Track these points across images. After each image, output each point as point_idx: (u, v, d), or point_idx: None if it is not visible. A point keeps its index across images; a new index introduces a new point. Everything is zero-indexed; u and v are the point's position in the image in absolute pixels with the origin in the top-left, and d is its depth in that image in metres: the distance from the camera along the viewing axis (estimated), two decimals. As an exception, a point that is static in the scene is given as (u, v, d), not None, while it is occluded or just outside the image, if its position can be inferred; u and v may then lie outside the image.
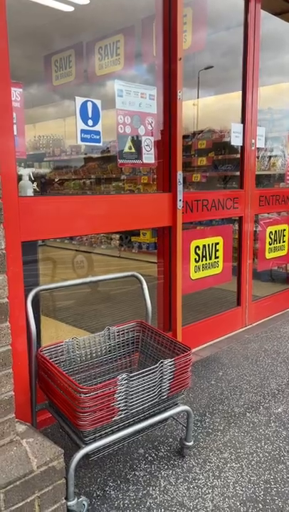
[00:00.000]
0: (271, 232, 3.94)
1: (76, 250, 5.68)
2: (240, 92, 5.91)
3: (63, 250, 5.69)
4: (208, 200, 3.04)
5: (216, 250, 3.24)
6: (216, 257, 3.24)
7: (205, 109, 6.06)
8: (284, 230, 4.05)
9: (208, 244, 3.15)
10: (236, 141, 3.34)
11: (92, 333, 2.12)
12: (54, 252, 5.66)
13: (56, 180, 7.11)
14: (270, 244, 3.93)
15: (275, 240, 3.97)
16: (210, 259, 3.19)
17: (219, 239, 3.23)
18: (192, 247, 3.01)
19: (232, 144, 3.34)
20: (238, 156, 5.16)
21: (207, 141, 5.29)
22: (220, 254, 3.27)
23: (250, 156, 3.43)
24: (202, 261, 3.13)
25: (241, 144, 3.38)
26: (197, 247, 3.06)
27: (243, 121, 3.36)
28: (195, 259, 3.05)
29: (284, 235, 4.06)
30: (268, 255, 3.88)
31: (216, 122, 5.61)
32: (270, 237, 3.93)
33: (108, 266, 5.53)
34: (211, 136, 5.36)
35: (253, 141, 3.66)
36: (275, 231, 3.98)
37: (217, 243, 3.23)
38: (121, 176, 6.11)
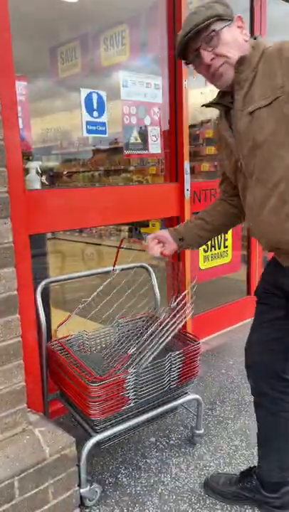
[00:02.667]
0: None
1: (86, 243, 5.70)
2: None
3: (73, 243, 5.72)
4: (216, 189, 3.02)
5: (225, 240, 3.22)
6: (225, 247, 3.23)
7: (213, 97, 6.00)
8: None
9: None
10: None
11: (103, 324, 2.14)
12: (64, 245, 5.70)
13: (65, 173, 7.12)
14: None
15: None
16: (219, 248, 3.17)
17: None
18: None
19: None
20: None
21: (214, 130, 5.25)
22: (228, 243, 3.25)
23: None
24: (211, 251, 3.11)
25: None
26: None
27: None
28: (204, 249, 3.04)
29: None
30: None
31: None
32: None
33: (119, 257, 5.55)
34: (219, 124, 5.32)
35: None
36: None
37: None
38: (129, 167, 6.10)
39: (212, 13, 1.27)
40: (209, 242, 2.99)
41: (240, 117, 1.30)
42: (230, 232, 3.20)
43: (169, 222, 2.80)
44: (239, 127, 1.32)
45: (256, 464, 1.64)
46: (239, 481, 1.65)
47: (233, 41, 1.29)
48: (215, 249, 3.15)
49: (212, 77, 1.34)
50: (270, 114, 1.23)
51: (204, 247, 3.02)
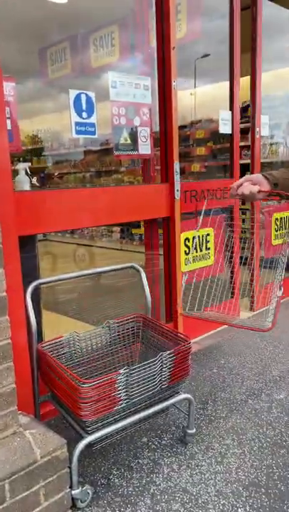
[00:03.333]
0: (277, 218, 3.94)
1: (77, 244, 5.70)
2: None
3: (64, 244, 5.71)
4: (197, 190, 2.99)
5: (207, 241, 3.15)
6: (207, 249, 3.17)
7: (202, 98, 6.02)
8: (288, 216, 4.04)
9: (198, 236, 3.05)
10: (224, 128, 3.24)
11: (94, 325, 2.14)
12: (55, 246, 5.68)
13: (56, 174, 7.10)
14: (276, 231, 3.93)
15: (280, 227, 3.96)
16: (200, 250, 3.11)
17: (209, 230, 3.13)
18: (181, 239, 2.92)
19: (220, 132, 3.24)
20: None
21: (205, 131, 5.27)
22: (211, 245, 3.19)
23: (238, 143, 3.37)
24: (192, 253, 3.04)
25: (230, 132, 3.28)
26: (187, 239, 2.96)
27: (232, 108, 3.26)
28: (185, 251, 2.97)
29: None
30: (274, 242, 3.86)
31: (214, 111, 5.57)
32: (276, 224, 3.93)
33: (110, 258, 5.55)
34: (209, 125, 5.33)
35: (258, 129, 3.69)
36: (281, 218, 3.98)
37: (208, 234, 3.14)
38: (120, 168, 6.10)
39: None
40: (190, 244, 2.97)
41: None
42: (211, 233, 3.16)
43: (165, 223, 2.80)
44: None
45: None
46: None
47: None
48: (196, 252, 3.08)
49: None
50: None
51: (185, 249, 2.97)
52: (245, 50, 5.38)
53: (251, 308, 3.70)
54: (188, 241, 2.98)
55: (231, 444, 1.98)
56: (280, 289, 1.52)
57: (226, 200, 3.22)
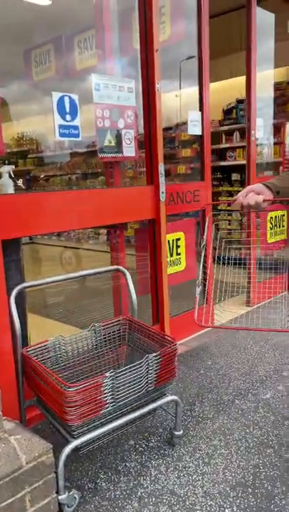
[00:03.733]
0: (271, 217, 3.98)
1: (64, 246, 5.67)
2: (222, 82, 5.88)
3: (51, 247, 5.68)
4: (191, 191, 3.04)
5: (178, 246, 3.05)
6: (178, 254, 3.06)
7: (188, 99, 6.05)
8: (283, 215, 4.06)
9: (168, 241, 2.93)
10: (194, 130, 3.12)
11: (81, 328, 2.13)
12: (42, 249, 5.65)
13: (42, 176, 7.06)
14: (271, 229, 3.96)
15: (275, 226, 4.00)
16: (171, 256, 2.99)
17: (180, 234, 3.04)
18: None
19: (189, 133, 3.13)
20: (221, 146, 5.17)
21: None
22: (182, 250, 3.07)
23: (209, 145, 3.30)
24: (171, 256, 2.96)
25: (200, 133, 3.16)
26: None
27: (201, 108, 3.15)
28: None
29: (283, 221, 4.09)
30: (269, 240, 3.87)
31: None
32: (271, 223, 3.97)
33: (97, 261, 5.53)
34: (194, 127, 5.35)
35: (253, 131, 3.77)
36: (275, 216, 4.02)
37: (178, 239, 3.04)
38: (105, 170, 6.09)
39: None
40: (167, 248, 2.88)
41: None
42: (182, 237, 3.07)
43: (150, 225, 2.79)
44: None
45: None
46: None
47: None
48: (167, 257, 2.95)
49: None
50: None
51: None
52: (232, 50, 5.41)
53: (248, 305, 3.81)
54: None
55: (218, 444, 1.99)
56: None
57: (197, 203, 3.14)
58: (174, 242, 3.01)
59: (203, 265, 1.90)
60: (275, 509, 1.61)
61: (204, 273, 3.15)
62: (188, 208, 3.08)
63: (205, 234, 1.90)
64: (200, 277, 1.77)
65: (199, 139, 3.24)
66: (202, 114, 3.12)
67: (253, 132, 3.68)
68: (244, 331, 3.27)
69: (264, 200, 1.55)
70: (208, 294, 3.13)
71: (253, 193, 1.57)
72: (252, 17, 3.60)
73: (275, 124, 4.45)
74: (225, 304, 3.86)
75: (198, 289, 1.76)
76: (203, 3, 2.97)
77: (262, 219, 3.88)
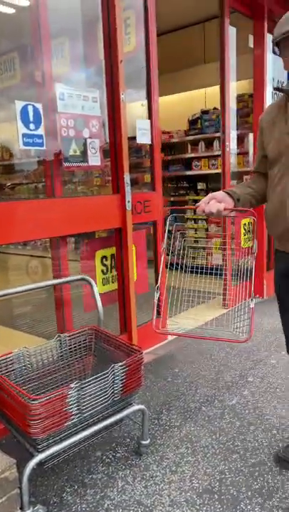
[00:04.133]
0: (245, 223, 4.04)
1: (30, 256, 5.58)
2: (187, 93, 5.99)
3: (16, 256, 5.58)
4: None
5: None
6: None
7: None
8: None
9: (113, 254, 2.83)
10: (143, 139, 3.01)
11: (48, 339, 2.10)
12: (7, 259, 5.54)
13: (8, 184, 6.94)
14: (244, 235, 4.01)
15: (248, 231, 4.04)
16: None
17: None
18: (97, 257, 2.72)
19: (138, 141, 3.00)
20: (187, 155, 5.25)
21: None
22: (133, 261, 2.90)
23: (159, 154, 3.21)
24: (111, 272, 2.80)
25: (150, 142, 3.04)
26: (104, 257, 2.76)
27: (150, 117, 3.04)
28: (102, 270, 2.76)
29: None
30: (244, 245, 3.91)
31: (165, 122, 5.68)
32: (244, 228, 4.01)
33: (64, 270, 5.47)
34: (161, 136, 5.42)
35: (227, 143, 3.90)
36: (248, 222, 4.06)
37: None
38: (73, 179, 6.06)
39: None
40: (108, 263, 2.80)
41: None
42: (133, 249, 2.89)
43: (117, 234, 2.79)
44: None
45: None
46: None
47: None
48: (111, 272, 2.82)
49: None
50: None
51: (102, 268, 2.77)
52: (196, 63, 5.51)
53: (224, 306, 4.01)
54: (106, 259, 2.78)
55: (185, 452, 1.99)
56: (252, 300, 1.61)
57: (147, 214, 3.01)
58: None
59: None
60: (241, 514, 1.63)
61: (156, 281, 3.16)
62: (137, 219, 2.89)
63: (164, 242, 1.92)
64: (158, 283, 1.80)
65: (179, 148, 3.24)
66: (151, 122, 3.01)
67: (227, 143, 3.84)
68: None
69: (225, 209, 1.60)
70: (160, 300, 3.13)
71: (215, 201, 1.61)
72: (225, 28, 3.69)
73: (238, 135, 4.57)
74: (197, 309, 3.91)
75: (157, 295, 1.78)
76: (150, 15, 2.95)
77: (236, 223, 3.99)
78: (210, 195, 1.64)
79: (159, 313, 3.13)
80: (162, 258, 1.81)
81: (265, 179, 1.74)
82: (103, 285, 2.78)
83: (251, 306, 1.61)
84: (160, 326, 2.59)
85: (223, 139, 3.85)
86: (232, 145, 4.68)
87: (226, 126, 3.82)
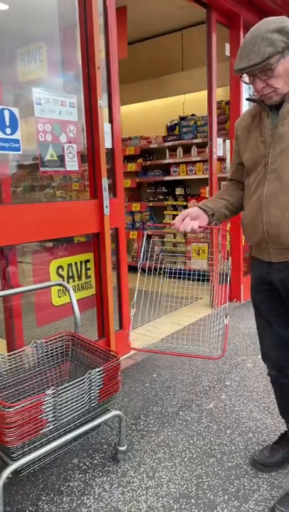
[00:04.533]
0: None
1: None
2: (164, 99, 6.02)
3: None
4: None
5: (87, 269, 2.78)
6: (88, 277, 2.78)
7: (131, 115, 6.16)
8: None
9: (76, 263, 2.71)
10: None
11: (25, 345, 2.07)
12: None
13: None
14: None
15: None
16: (79, 279, 2.73)
17: (90, 255, 2.79)
18: (52, 268, 2.58)
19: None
20: (165, 161, 5.29)
21: (135, 147, 5.37)
22: (92, 273, 2.81)
23: (121, 159, 3.02)
24: (68, 282, 2.66)
25: (110, 147, 2.86)
26: (60, 267, 2.62)
27: (111, 120, 2.85)
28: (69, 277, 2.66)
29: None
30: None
31: (143, 128, 5.71)
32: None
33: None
34: (139, 142, 5.45)
35: (215, 150, 3.99)
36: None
37: (87, 261, 2.77)
38: (52, 183, 6.03)
39: (272, 52, 1.38)
40: (65, 273, 2.66)
41: (282, 124, 1.49)
42: (92, 259, 2.82)
43: (95, 239, 2.78)
44: (279, 131, 1.50)
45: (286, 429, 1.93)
46: (281, 447, 1.91)
47: (285, 71, 1.43)
48: (74, 281, 2.67)
49: (261, 95, 1.51)
50: None
51: (58, 279, 2.62)
52: (174, 70, 5.56)
53: (212, 307, 4.13)
54: (62, 269, 2.63)
55: (163, 457, 2.00)
56: (226, 317, 1.64)
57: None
58: (83, 264, 2.76)
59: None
60: (217, 518, 1.64)
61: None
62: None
63: (141, 257, 1.94)
64: (134, 299, 1.80)
65: (158, 153, 3.19)
66: (112, 125, 2.84)
67: (214, 150, 3.97)
68: (188, 341, 3.33)
69: (199, 227, 1.66)
70: (122, 313, 3.05)
71: (189, 218, 1.66)
72: (212, 34, 3.77)
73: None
74: (178, 312, 3.94)
75: (133, 311, 1.79)
76: (110, 23, 2.76)
77: (222, 241, 4.08)
78: (185, 212, 1.69)
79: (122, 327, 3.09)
80: (138, 274, 1.83)
81: (241, 187, 1.76)
82: (58, 297, 2.61)
83: (225, 323, 1.64)
84: (127, 339, 2.59)
85: (210, 146, 3.97)
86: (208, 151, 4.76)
87: (213, 134, 3.94)
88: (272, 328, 1.75)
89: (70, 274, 2.68)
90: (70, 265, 2.68)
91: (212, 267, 3.91)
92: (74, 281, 2.72)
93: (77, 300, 2.51)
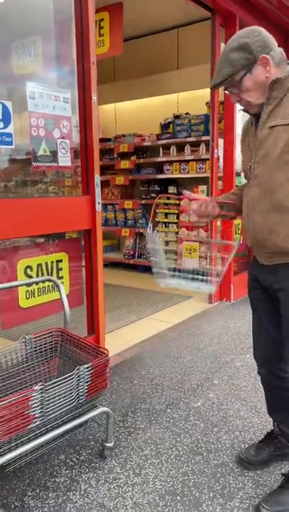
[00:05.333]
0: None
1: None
2: (158, 97, 6.02)
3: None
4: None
5: (59, 269, 2.65)
6: (60, 278, 2.67)
7: (125, 112, 6.15)
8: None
9: (46, 263, 2.57)
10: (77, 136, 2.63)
11: (14, 341, 2.06)
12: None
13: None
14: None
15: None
16: (45, 282, 2.55)
17: (62, 255, 2.68)
18: (20, 268, 2.43)
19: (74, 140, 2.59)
20: (159, 159, 5.29)
21: (129, 145, 5.36)
22: (64, 273, 2.68)
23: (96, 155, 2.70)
24: (37, 284, 2.50)
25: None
26: (28, 267, 2.47)
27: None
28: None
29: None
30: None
31: (137, 125, 5.71)
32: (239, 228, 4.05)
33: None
34: (133, 139, 5.44)
35: (216, 150, 4.05)
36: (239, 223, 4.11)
37: (60, 261, 2.65)
38: (44, 179, 6.00)
39: (231, 71, 1.46)
40: (34, 274, 2.50)
41: (262, 128, 1.51)
42: (65, 259, 2.70)
43: (86, 235, 2.76)
44: (260, 136, 1.52)
45: (273, 428, 1.94)
46: (267, 445, 1.92)
47: (255, 84, 1.48)
48: (44, 282, 2.52)
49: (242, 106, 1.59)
50: (286, 132, 1.43)
51: (26, 279, 2.45)
52: (170, 68, 5.56)
53: (210, 302, 4.25)
54: (31, 270, 2.48)
55: (149, 454, 2.00)
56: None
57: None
58: (54, 264, 2.62)
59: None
60: (202, 515, 1.65)
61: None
62: (70, 227, 2.68)
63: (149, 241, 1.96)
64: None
65: (150, 151, 3.15)
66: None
67: (216, 150, 4.05)
68: (178, 339, 3.34)
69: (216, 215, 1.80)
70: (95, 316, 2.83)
71: (211, 204, 1.76)
72: (216, 35, 3.79)
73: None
74: (172, 309, 3.94)
75: None
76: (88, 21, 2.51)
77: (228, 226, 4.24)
78: (208, 199, 1.80)
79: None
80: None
81: None
82: (26, 299, 2.48)
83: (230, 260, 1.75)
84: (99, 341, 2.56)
85: (212, 146, 4.05)
86: (204, 150, 4.77)
87: (214, 134, 4.01)
88: (264, 326, 1.77)
89: (40, 275, 2.52)
90: (39, 265, 2.53)
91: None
92: (43, 282, 2.52)
93: (48, 302, 2.56)
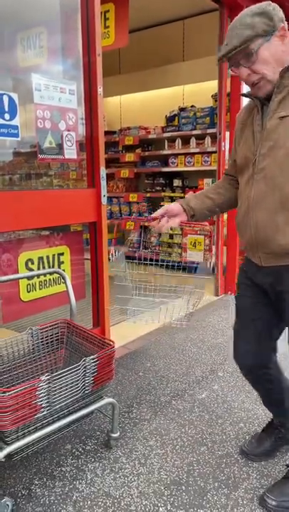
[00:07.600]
0: None
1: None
2: (163, 90, 5.98)
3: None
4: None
5: (61, 262, 2.62)
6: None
7: (130, 105, 6.12)
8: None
9: (48, 256, 2.54)
10: (82, 128, 2.61)
11: (20, 332, 2.08)
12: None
13: (-19, 176, 6.80)
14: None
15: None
16: (51, 274, 2.53)
17: (64, 249, 2.64)
18: (21, 261, 2.40)
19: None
20: (164, 152, 5.27)
21: (134, 137, 5.34)
22: (66, 267, 2.65)
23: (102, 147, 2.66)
24: (38, 277, 2.48)
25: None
26: (30, 260, 2.44)
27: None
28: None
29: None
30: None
31: (142, 118, 5.69)
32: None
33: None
34: (138, 132, 5.42)
35: (223, 143, 4.07)
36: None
37: (61, 254, 2.61)
38: (49, 171, 6.00)
39: (250, 35, 1.32)
40: (35, 267, 2.47)
41: (271, 118, 1.40)
42: (67, 252, 2.66)
43: (92, 228, 2.77)
44: (268, 126, 1.41)
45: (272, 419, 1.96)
46: (269, 436, 1.93)
47: (271, 56, 1.35)
48: (45, 275, 2.51)
49: (251, 86, 1.43)
50: None
51: (27, 272, 2.42)
52: (176, 59, 5.52)
53: (216, 294, 4.36)
54: (32, 263, 2.45)
55: (155, 445, 2.02)
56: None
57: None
58: (56, 257, 2.59)
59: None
60: (207, 505, 1.67)
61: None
62: (75, 220, 2.68)
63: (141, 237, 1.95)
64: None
65: (157, 144, 3.14)
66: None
67: (223, 143, 4.08)
68: (183, 331, 3.35)
69: (181, 222, 1.68)
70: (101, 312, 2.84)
71: (166, 219, 1.67)
72: (224, 22, 3.78)
73: (215, 133, 4.61)
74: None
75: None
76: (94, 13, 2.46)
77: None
78: (165, 207, 1.69)
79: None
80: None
81: (235, 185, 1.69)
82: (28, 292, 2.45)
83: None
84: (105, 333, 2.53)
85: (219, 139, 4.08)
86: (209, 143, 4.75)
87: (222, 127, 4.03)
88: (251, 329, 1.70)
89: (41, 268, 2.49)
90: (41, 258, 2.50)
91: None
92: (45, 275, 2.50)
93: (51, 295, 2.54)
